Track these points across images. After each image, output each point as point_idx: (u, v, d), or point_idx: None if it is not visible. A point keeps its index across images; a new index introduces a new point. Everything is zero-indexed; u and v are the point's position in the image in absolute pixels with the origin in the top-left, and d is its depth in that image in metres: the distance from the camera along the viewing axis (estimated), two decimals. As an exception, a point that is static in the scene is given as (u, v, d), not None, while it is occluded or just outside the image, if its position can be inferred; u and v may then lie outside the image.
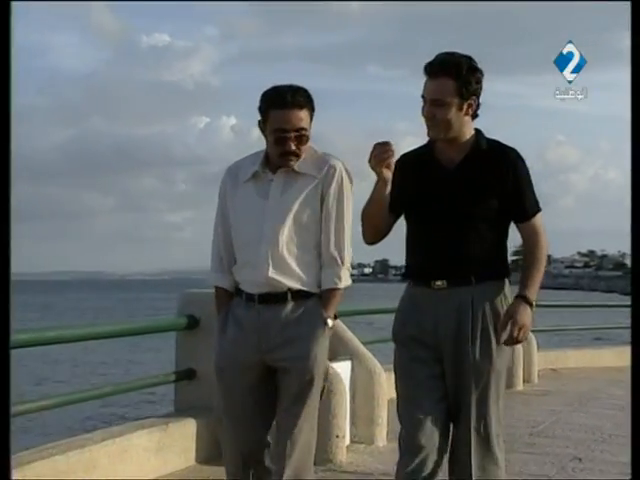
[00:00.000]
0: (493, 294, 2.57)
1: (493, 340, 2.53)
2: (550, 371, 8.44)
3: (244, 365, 2.59)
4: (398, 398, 2.65)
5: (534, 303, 2.55)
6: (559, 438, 5.10)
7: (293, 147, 2.52)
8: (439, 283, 2.56)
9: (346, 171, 2.63)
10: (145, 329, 4.35)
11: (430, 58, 2.56)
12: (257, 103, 2.59)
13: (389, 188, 2.54)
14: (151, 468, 3.66)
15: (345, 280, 2.64)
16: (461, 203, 2.55)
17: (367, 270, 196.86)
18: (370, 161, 2.50)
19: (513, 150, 2.61)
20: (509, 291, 2.62)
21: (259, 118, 2.58)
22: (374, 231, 2.66)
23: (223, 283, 2.68)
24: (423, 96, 2.56)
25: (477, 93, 2.56)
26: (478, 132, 2.62)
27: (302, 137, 2.53)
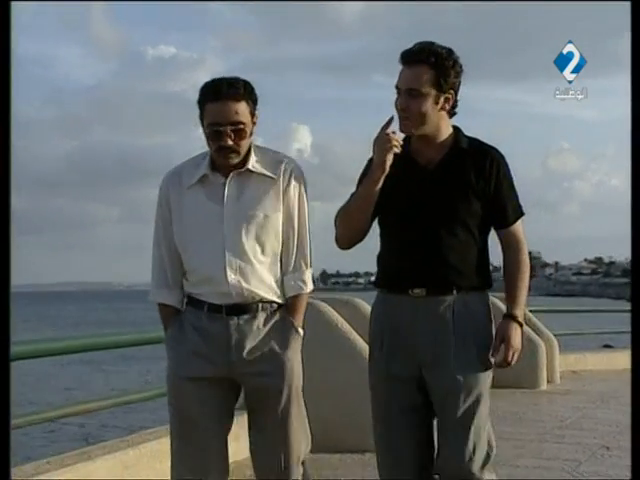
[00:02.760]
0: (475, 304, 2.43)
1: (476, 352, 2.40)
2: (570, 373, 8.89)
3: (207, 378, 2.40)
4: (373, 421, 2.51)
5: (523, 323, 2.45)
6: (586, 430, 5.55)
7: (230, 142, 2.35)
8: (417, 291, 2.40)
9: (301, 170, 2.49)
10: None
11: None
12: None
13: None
14: (230, 453, 4.14)
15: (310, 284, 2.50)
16: (441, 206, 2.40)
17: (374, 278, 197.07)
18: (377, 146, 2.36)
19: (495, 149, 2.46)
20: (489, 301, 2.50)
21: (198, 113, 2.40)
22: (354, 233, 2.47)
23: (169, 300, 2.47)
24: (397, 86, 2.40)
25: (455, 87, 2.40)
26: (457, 130, 2.47)
27: (240, 131, 2.35)
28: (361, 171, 2.52)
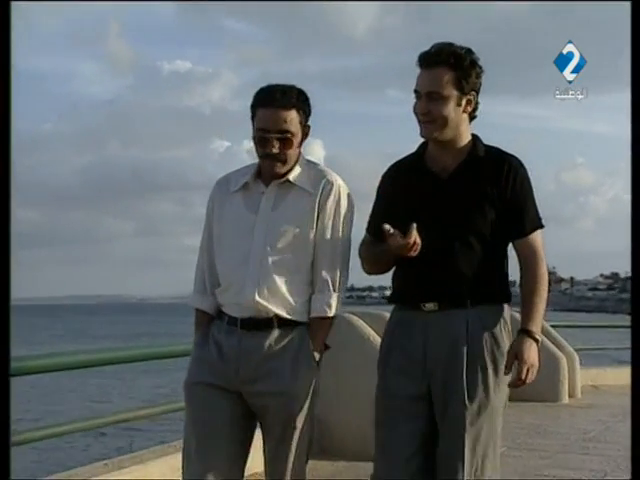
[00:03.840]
0: (491, 319, 2.32)
1: (490, 372, 2.28)
2: (591, 387, 8.97)
3: (223, 390, 2.35)
4: (376, 437, 2.39)
5: (540, 339, 2.31)
6: (610, 443, 5.65)
7: (275, 149, 2.32)
8: (430, 305, 2.32)
9: (345, 189, 2.42)
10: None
11: None
12: None
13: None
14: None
15: (336, 308, 2.39)
16: (454, 216, 2.31)
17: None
18: (392, 249, 2.26)
19: (514, 157, 2.36)
20: (509, 316, 2.38)
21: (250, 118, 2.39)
22: (380, 273, 2.49)
23: (203, 305, 2.46)
24: (416, 90, 2.32)
25: (477, 88, 2.33)
26: (476, 137, 2.38)
27: (287, 140, 2.32)
28: (374, 203, 2.47)
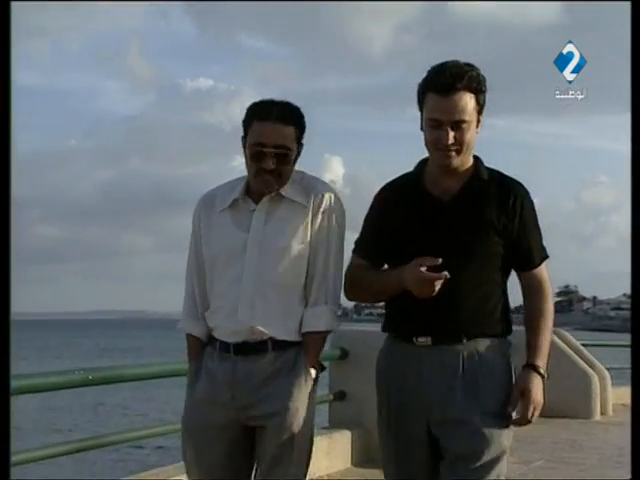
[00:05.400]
0: (491, 355, 2.18)
1: (492, 412, 2.15)
2: (621, 405, 9.13)
3: (218, 426, 2.27)
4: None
5: (546, 375, 2.18)
6: (645, 458, 5.86)
7: (271, 164, 2.21)
8: (422, 340, 2.18)
9: (337, 199, 2.31)
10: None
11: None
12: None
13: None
14: (324, 467, 4.66)
15: (329, 323, 2.29)
16: (457, 242, 2.17)
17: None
18: (416, 285, 2.12)
19: (519, 184, 2.25)
20: (508, 350, 2.24)
21: (242, 134, 2.29)
22: (368, 301, 2.45)
23: (195, 331, 2.36)
24: (435, 119, 2.16)
25: (485, 104, 2.22)
26: (477, 159, 2.25)
27: (283, 156, 2.22)
28: (365, 223, 2.34)
